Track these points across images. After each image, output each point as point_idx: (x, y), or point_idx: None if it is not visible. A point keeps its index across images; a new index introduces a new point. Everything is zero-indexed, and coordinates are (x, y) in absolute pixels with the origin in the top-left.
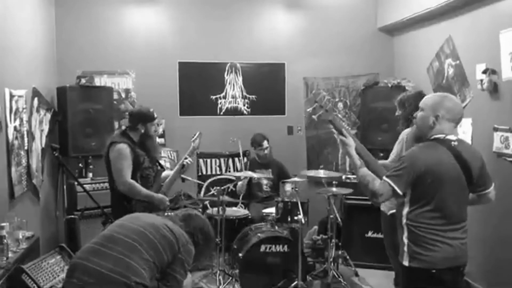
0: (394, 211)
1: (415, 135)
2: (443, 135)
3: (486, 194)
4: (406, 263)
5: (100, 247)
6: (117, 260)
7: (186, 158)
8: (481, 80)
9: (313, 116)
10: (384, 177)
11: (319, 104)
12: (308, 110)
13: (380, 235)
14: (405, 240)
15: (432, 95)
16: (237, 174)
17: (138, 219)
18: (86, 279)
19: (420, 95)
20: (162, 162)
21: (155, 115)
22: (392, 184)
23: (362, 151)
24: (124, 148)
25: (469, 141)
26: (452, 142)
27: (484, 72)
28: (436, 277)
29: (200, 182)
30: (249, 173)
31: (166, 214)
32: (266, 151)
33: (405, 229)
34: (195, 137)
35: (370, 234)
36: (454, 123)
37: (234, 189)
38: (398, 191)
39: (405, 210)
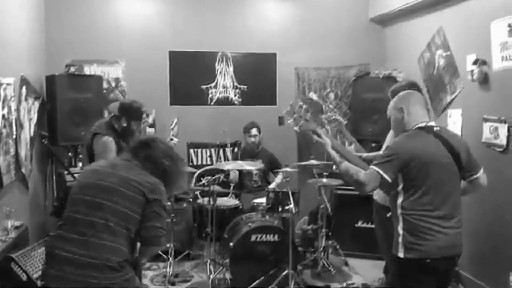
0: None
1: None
2: (425, 122)
3: (476, 179)
4: (401, 254)
5: (79, 236)
6: (98, 246)
7: (171, 140)
8: (472, 71)
9: (295, 128)
10: (371, 166)
11: (298, 115)
12: (289, 121)
13: (370, 225)
14: (400, 231)
15: (390, 104)
16: (228, 165)
17: (107, 191)
18: (67, 269)
19: (413, 85)
20: None
21: (144, 116)
22: (380, 171)
23: (339, 147)
24: (109, 141)
25: (458, 131)
26: (435, 128)
27: (475, 62)
28: (430, 267)
29: (193, 169)
30: (239, 163)
31: (126, 159)
32: (254, 139)
33: (400, 219)
34: (173, 124)
35: (360, 224)
36: (421, 105)
37: (225, 179)
38: (387, 177)
39: (399, 200)
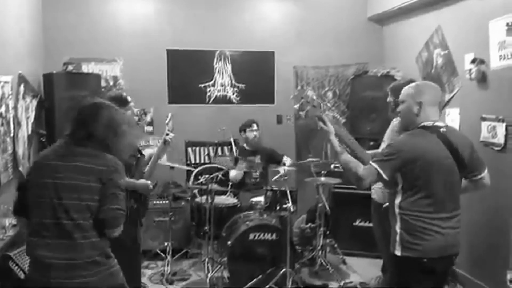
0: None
1: (401, 128)
2: (431, 122)
3: (480, 179)
4: (398, 252)
5: (53, 240)
6: (74, 246)
7: (167, 134)
8: (470, 70)
9: (301, 113)
10: (370, 161)
11: (305, 100)
12: (295, 106)
13: (368, 224)
14: (398, 230)
15: (408, 86)
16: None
17: (66, 189)
18: (53, 274)
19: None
20: (151, 150)
21: (129, 99)
22: (378, 168)
23: (343, 135)
24: None
25: None
26: (441, 129)
27: (473, 61)
28: (427, 266)
29: (190, 168)
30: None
31: (68, 143)
32: (256, 133)
33: (397, 219)
34: (168, 119)
35: (358, 222)
36: (437, 106)
37: (223, 177)
38: (384, 175)
39: (398, 200)
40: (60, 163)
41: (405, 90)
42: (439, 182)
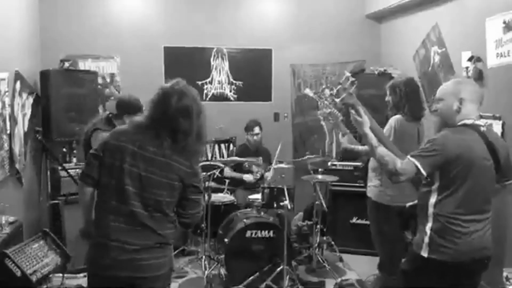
0: (409, 203)
1: (440, 126)
2: (472, 120)
3: (510, 185)
4: (425, 254)
5: (131, 226)
6: (150, 235)
7: None
8: (467, 68)
9: (336, 100)
10: (409, 156)
11: (342, 87)
12: (331, 92)
13: (364, 221)
14: (428, 231)
15: (446, 84)
16: (223, 160)
17: (163, 187)
18: (122, 257)
19: (411, 81)
20: None
21: (144, 108)
22: (417, 163)
23: (378, 131)
24: None
25: None
26: (481, 128)
27: (470, 59)
28: (457, 270)
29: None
30: (235, 159)
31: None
32: (256, 137)
33: (430, 219)
34: None
35: (354, 220)
36: (478, 105)
37: (220, 175)
38: (423, 171)
39: (433, 199)
40: (146, 154)
41: (444, 87)
42: (477, 182)
